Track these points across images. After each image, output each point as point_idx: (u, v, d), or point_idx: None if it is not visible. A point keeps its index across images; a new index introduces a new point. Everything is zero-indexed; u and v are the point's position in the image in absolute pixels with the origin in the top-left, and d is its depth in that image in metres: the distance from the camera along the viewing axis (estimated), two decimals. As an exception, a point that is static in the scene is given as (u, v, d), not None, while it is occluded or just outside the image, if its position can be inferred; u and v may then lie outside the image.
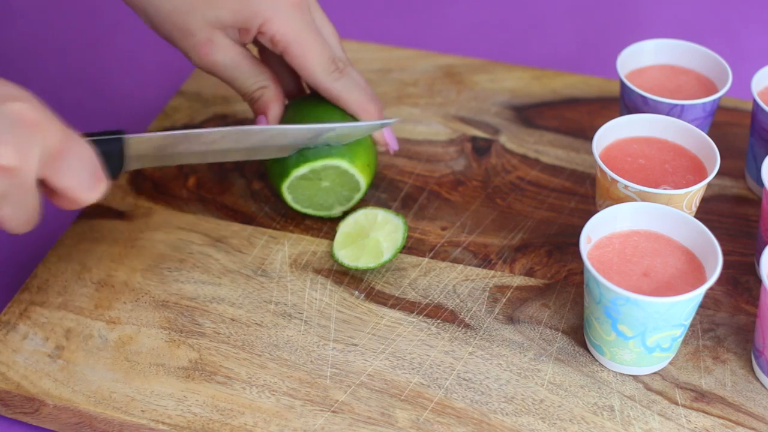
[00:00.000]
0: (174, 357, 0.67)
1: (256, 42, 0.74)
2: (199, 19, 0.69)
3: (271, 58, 0.77)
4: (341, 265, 0.72)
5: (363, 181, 0.74)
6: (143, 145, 0.67)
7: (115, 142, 0.65)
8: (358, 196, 0.75)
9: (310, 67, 0.71)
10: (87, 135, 0.64)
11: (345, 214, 0.75)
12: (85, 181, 0.59)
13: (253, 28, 0.70)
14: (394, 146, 0.76)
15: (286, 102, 0.76)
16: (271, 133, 0.71)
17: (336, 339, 0.68)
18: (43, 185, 0.58)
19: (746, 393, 0.64)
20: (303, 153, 0.72)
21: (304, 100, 0.76)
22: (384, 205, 0.78)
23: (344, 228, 0.73)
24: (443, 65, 0.93)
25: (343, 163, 0.72)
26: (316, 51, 0.71)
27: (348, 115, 0.74)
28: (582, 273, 0.72)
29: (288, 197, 0.74)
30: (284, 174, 0.73)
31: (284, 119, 0.74)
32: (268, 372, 0.66)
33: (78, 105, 0.95)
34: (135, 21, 1.06)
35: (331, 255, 0.74)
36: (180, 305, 0.70)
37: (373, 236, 0.72)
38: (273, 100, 0.73)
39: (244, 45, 0.72)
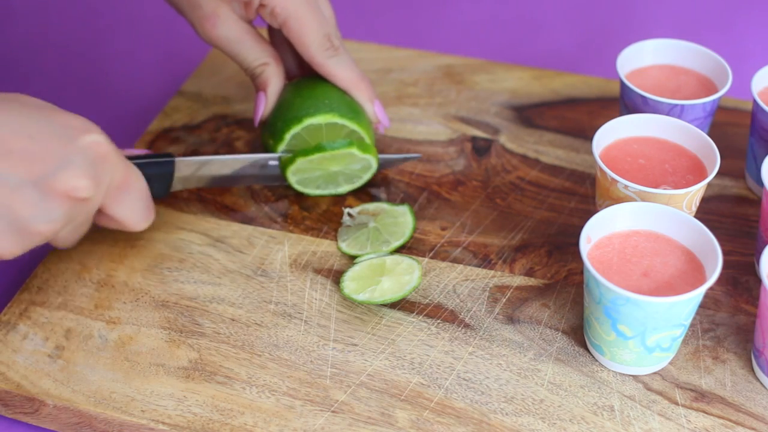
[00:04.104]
0: (174, 357, 0.67)
1: (262, 20, 0.77)
2: None
3: (277, 39, 0.80)
4: (348, 297, 0.70)
5: (374, 161, 0.77)
6: (189, 168, 0.73)
7: (166, 165, 0.71)
8: (367, 176, 0.78)
9: (306, 41, 0.74)
10: (138, 158, 0.70)
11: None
12: (138, 212, 0.65)
13: (253, 3, 0.73)
14: (386, 122, 0.79)
15: (286, 82, 0.79)
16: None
17: (336, 339, 0.68)
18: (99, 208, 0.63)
19: (746, 393, 0.64)
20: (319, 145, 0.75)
21: (303, 79, 0.78)
22: (384, 205, 0.78)
23: (358, 268, 0.72)
24: (443, 65, 0.93)
25: (354, 151, 0.75)
26: (313, 26, 0.74)
27: (345, 95, 0.76)
28: (582, 273, 0.72)
29: (292, 179, 0.76)
30: (279, 137, 0.76)
31: (283, 97, 0.77)
32: (268, 372, 0.66)
33: (78, 105, 0.95)
34: (134, 21, 1.06)
35: (337, 263, 0.74)
36: (180, 305, 0.70)
37: (384, 280, 0.71)
38: (273, 77, 0.76)
39: (249, 21, 0.75)
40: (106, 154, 0.60)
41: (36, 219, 0.58)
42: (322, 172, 0.76)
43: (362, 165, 0.76)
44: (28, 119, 0.59)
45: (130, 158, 0.68)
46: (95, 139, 0.60)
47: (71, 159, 0.58)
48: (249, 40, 0.74)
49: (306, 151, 0.74)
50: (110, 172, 0.61)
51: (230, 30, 0.74)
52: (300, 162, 0.75)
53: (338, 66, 0.75)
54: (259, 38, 0.75)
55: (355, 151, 0.75)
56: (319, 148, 0.74)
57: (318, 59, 0.75)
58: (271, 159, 0.76)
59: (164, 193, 0.72)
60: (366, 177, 0.78)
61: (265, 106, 0.76)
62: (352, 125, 0.75)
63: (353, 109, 0.76)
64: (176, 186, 0.74)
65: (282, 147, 0.75)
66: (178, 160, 0.72)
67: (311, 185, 0.77)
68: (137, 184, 0.64)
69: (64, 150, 0.58)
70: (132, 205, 0.64)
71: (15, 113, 0.59)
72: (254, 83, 0.77)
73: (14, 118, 0.58)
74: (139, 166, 0.68)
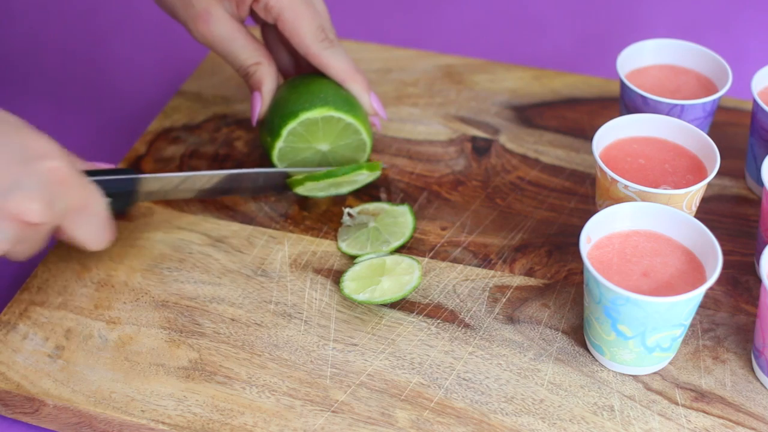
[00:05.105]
0: (174, 357, 0.67)
1: (254, 16, 0.77)
2: None
3: (270, 39, 0.80)
4: (348, 297, 0.70)
5: (368, 140, 0.77)
6: (152, 184, 0.73)
7: (128, 182, 0.71)
8: (370, 180, 0.78)
9: (302, 33, 0.74)
10: (101, 173, 0.69)
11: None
12: (95, 234, 0.66)
13: (246, 1, 0.74)
14: (383, 114, 0.79)
15: (281, 81, 0.80)
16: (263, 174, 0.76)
17: (336, 339, 0.68)
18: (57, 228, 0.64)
19: (746, 393, 0.64)
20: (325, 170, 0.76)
21: (297, 77, 0.79)
22: (384, 205, 0.78)
23: (358, 268, 0.72)
24: (443, 65, 0.93)
25: (363, 171, 0.76)
26: (307, 18, 0.74)
27: (341, 89, 0.77)
28: (582, 273, 0.72)
29: (280, 167, 0.77)
30: (276, 134, 0.76)
31: (278, 96, 0.77)
32: (268, 372, 0.66)
33: (78, 105, 0.95)
34: (135, 21, 1.06)
35: (336, 262, 0.74)
36: (180, 305, 0.70)
37: (384, 280, 0.71)
38: (267, 76, 0.76)
39: (241, 20, 0.75)
40: (62, 180, 0.61)
41: None
42: (327, 183, 0.76)
43: (367, 175, 0.77)
44: None
45: (93, 173, 0.68)
46: (52, 165, 0.60)
47: (24, 182, 0.59)
48: (241, 39, 0.74)
49: (316, 177, 0.75)
50: (66, 197, 0.62)
51: (223, 28, 0.74)
52: (309, 184, 0.75)
53: (333, 57, 0.76)
54: (252, 37, 0.75)
55: (364, 172, 0.76)
56: (329, 174, 0.75)
57: (313, 50, 0.75)
58: (248, 171, 0.76)
59: (127, 208, 0.72)
60: (369, 180, 0.78)
61: (261, 105, 0.76)
62: (349, 118, 0.75)
63: (349, 102, 0.76)
64: (148, 198, 0.74)
65: (280, 143, 0.75)
66: (142, 177, 0.72)
67: (315, 190, 0.77)
68: (95, 207, 0.65)
69: (19, 172, 0.59)
70: (89, 227, 0.65)
71: None
72: (248, 83, 0.76)
73: None
74: (101, 183, 0.68)
